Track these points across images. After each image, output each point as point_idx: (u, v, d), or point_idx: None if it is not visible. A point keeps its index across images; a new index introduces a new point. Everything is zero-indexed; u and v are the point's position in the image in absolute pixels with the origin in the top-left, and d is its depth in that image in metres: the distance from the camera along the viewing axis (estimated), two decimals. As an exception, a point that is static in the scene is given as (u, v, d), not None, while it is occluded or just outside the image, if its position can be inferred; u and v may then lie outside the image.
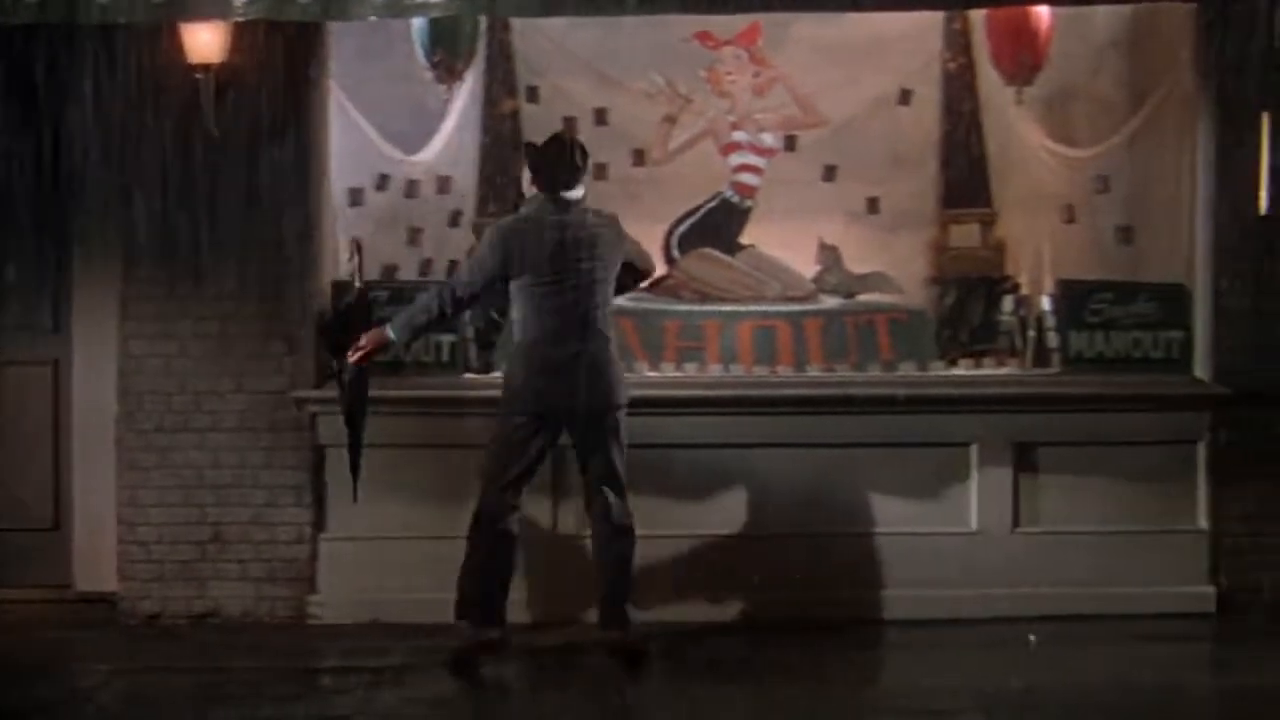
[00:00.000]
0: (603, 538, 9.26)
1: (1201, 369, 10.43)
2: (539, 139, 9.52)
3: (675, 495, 10.20)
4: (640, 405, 10.04)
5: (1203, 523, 10.33)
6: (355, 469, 9.43)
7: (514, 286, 9.17)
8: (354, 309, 9.44)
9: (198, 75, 9.93)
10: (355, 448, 9.40)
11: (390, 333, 9.28)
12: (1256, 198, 10.26)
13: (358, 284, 9.50)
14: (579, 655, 9.48)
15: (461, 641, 9.23)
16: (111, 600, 10.29)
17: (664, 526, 10.09)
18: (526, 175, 9.34)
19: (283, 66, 10.09)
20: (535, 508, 9.94)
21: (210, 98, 9.96)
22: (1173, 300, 10.51)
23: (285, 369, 10.23)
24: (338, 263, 10.61)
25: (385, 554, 10.13)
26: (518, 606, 9.67)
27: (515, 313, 9.23)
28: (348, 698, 8.81)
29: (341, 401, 9.37)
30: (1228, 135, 10.27)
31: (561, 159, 9.23)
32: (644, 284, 9.75)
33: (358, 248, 9.60)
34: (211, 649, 9.72)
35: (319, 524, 10.23)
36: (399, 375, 10.22)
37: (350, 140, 10.79)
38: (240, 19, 9.36)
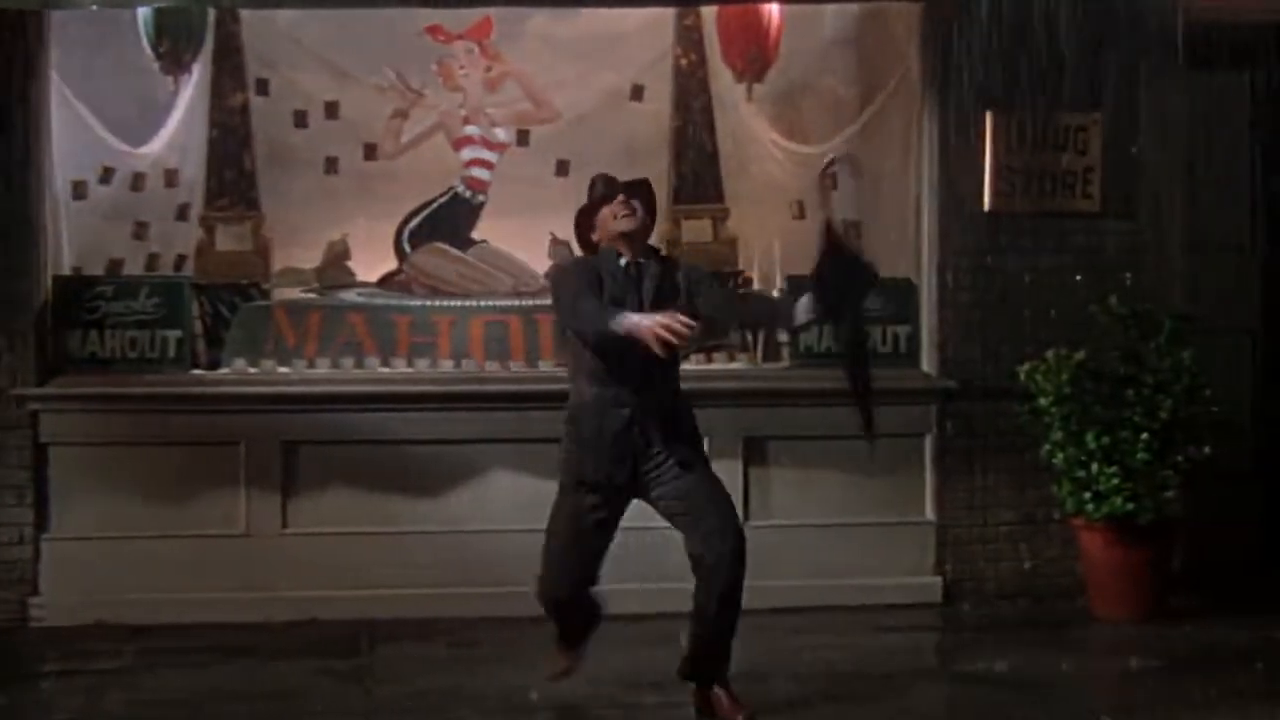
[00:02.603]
0: None
1: (928, 363, 10.61)
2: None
3: (406, 491, 10.23)
4: (373, 401, 10.07)
5: (929, 514, 10.53)
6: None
7: None
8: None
9: (-92, 63, 9.72)
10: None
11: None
12: (980, 193, 10.48)
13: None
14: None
15: None
16: None
17: (395, 523, 10.16)
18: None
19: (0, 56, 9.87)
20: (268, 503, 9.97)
21: (-77, 87, 9.75)
22: (900, 295, 10.67)
23: (5, 365, 10.01)
24: (61, 257, 10.40)
25: (109, 554, 9.98)
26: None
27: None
28: (72, 700, 8.67)
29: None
30: (952, 132, 10.48)
31: None
32: None
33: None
34: (-72, 654, 9.51)
35: (40, 524, 10.05)
36: (123, 371, 10.08)
37: (73, 132, 10.60)
38: (-46, 6, 9.17)
